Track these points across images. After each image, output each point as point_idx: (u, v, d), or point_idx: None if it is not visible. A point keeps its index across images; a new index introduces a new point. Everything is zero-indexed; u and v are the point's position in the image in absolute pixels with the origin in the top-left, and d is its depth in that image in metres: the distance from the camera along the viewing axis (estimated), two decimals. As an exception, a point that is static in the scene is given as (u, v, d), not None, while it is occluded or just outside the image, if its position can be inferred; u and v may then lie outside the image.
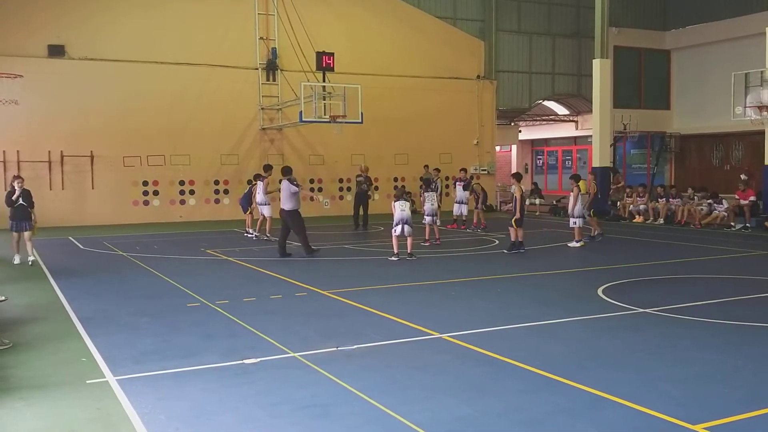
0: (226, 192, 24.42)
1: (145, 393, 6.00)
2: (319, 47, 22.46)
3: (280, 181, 15.50)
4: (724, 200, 20.59)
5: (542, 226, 20.43)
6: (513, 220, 14.98)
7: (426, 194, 16.85)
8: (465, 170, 20.74)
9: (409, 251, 14.14)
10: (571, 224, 16.27)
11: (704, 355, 7.11)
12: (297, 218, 14.45)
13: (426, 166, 22.40)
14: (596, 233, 17.33)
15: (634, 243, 17.29)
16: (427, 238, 16.49)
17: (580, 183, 17.88)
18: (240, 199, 19.60)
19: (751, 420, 5.30)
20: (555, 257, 14.80)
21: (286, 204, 14.43)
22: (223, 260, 14.41)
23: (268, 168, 18.54)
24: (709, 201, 20.95)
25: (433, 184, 17.82)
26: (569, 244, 16.07)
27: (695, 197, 21.61)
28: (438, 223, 16.75)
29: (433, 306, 9.65)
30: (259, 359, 6.93)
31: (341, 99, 20.84)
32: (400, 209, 14.12)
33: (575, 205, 16.20)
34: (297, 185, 14.61)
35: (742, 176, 21.21)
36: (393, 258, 13.93)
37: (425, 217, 16.53)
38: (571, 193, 16.46)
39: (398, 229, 14.04)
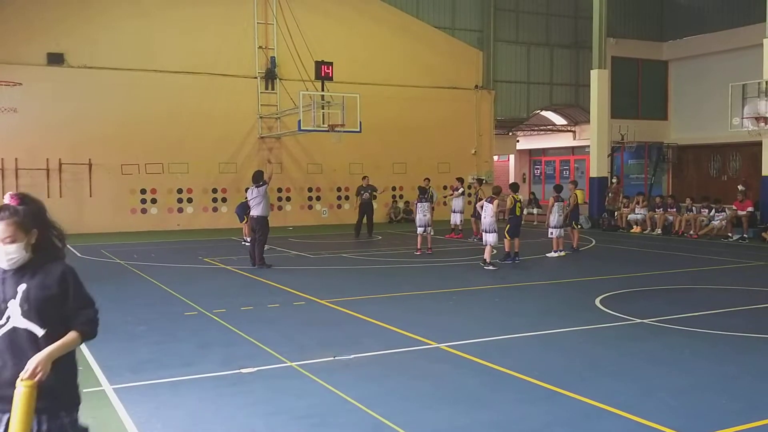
0: (224, 200, 24.41)
1: (142, 402, 5.98)
2: (318, 56, 22.52)
3: (246, 190, 15.57)
4: (726, 208, 20.58)
5: (540, 236, 20.39)
6: (506, 230, 14.98)
7: (419, 204, 16.88)
8: (462, 179, 20.82)
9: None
10: (549, 235, 16.31)
11: (703, 366, 7.10)
12: (264, 225, 14.33)
13: (426, 179, 22.35)
14: (576, 245, 17.23)
15: (632, 253, 17.29)
16: (419, 247, 16.53)
17: (578, 192, 17.97)
18: (236, 208, 19.56)
19: (750, 431, 5.28)
20: (552, 267, 14.78)
21: (254, 210, 14.37)
22: (220, 269, 14.39)
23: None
24: (709, 209, 20.92)
25: (427, 194, 17.83)
26: (548, 255, 16.09)
27: (694, 208, 21.62)
28: (432, 233, 16.77)
29: (431, 315, 9.63)
30: (256, 368, 6.90)
31: (340, 108, 20.89)
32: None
33: (550, 215, 16.32)
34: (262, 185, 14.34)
35: (740, 187, 21.23)
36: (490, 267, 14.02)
37: (418, 227, 16.61)
38: (549, 203, 16.58)
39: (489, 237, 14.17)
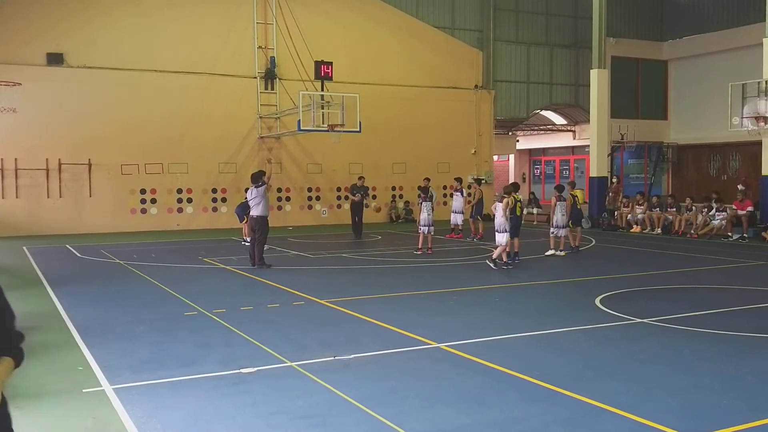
0: (223, 200, 24.41)
1: (142, 402, 5.97)
2: (317, 56, 22.51)
3: (246, 190, 15.50)
4: (727, 208, 20.57)
5: (540, 235, 20.41)
6: None
7: (424, 204, 16.87)
8: (460, 179, 20.79)
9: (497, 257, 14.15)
10: (551, 233, 16.30)
11: (703, 366, 7.10)
12: (264, 225, 14.32)
13: (426, 179, 22.38)
14: (576, 245, 17.20)
15: (632, 253, 17.28)
16: (420, 246, 16.53)
17: (578, 192, 17.95)
18: (236, 208, 19.55)
19: (751, 431, 5.28)
20: (552, 267, 14.78)
21: (254, 210, 14.34)
22: (220, 269, 14.38)
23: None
24: (709, 209, 20.90)
25: (429, 194, 17.81)
26: (546, 253, 16.07)
27: (694, 207, 21.61)
28: (432, 233, 16.75)
29: (430, 315, 9.63)
30: (256, 368, 6.90)
31: (339, 108, 20.89)
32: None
33: (554, 215, 16.30)
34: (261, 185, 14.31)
35: (740, 186, 21.23)
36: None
37: (421, 227, 16.57)
38: (551, 203, 16.57)
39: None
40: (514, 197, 15.12)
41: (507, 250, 14.75)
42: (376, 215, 23.91)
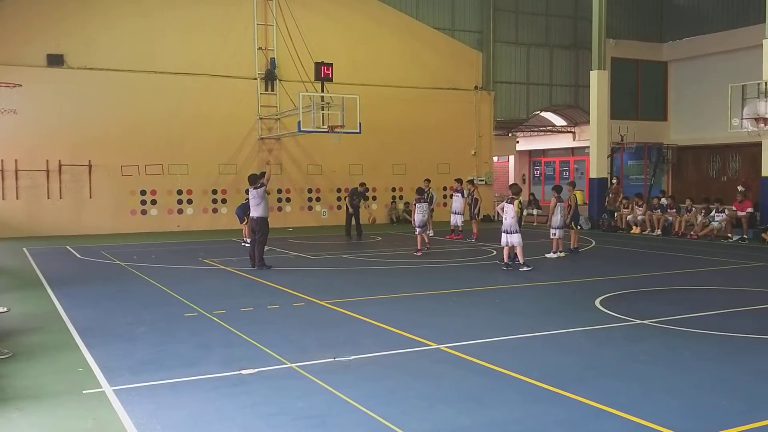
0: (224, 201, 24.42)
1: (142, 403, 5.97)
2: (317, 57, 22.53)
3: (246, 191, 15.45)
4: (725, 209, 20.57)
5: (539, 236, 20.41)
6: None
7: (417, 205, 16.87)
8: (460, 180, 20.78)
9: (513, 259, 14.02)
10: (552, 235, 16.29)
11: (703, 366, 7.10)
12: (264, 227, 14.31)
13: (427, 180, 22.39)
14: (575, 246, 17.19)
15: (632, 254, 17.29)
16: (419, 248, 16.53)
17: (577, 193, 17.95)
18: (236, 209, 19.55)
19: (751, 431, 5.30)
20: (552, 268, 14.77)
21: (254, 211, 14.31)
22: (220, 270, 14.38)
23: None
24: (709, 210, 20.91)
25: (426, 195, 17.78)
26: (547, 255, 16.06)
27: (693, 208, 21.61)
28: (431, 233, 16.73)
29: (431, 316, 9.63)
30: (256, 369, 6.90)
31: (339, 109, 20.91)
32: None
33: (552, 215, 16.29)
34: (260, 186, 14.24)
35: (740, 188, 21.22)
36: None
37: (415, 228, 16.61)
38: (551, 204, 16.55)
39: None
40: (514, 198, 15.15)
41: (507, 252, 14.76)
42: (375, 216, 23.93)
